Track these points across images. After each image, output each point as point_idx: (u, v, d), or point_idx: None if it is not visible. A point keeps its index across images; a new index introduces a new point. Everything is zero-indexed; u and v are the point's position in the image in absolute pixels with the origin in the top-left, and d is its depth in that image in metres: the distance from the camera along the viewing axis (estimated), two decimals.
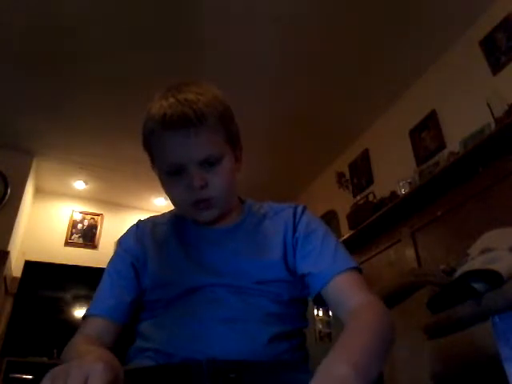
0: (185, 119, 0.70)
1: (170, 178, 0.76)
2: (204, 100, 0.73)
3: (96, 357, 0.51)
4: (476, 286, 1.27)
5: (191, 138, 0.71)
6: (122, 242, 0.85)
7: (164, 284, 0.75)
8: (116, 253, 0.84)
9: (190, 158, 0.73)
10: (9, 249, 3.33)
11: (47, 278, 3.60)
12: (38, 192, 4.20)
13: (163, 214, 0.90)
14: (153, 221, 0.87)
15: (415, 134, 3.03)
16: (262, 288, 0.72)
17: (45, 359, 3.06)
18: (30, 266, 3.53)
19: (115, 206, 4.49)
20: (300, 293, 0.77)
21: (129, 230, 0.86)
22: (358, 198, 3.37)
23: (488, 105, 2.30)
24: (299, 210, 0.84)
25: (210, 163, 0.74)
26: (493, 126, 2.26)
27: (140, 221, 0.88)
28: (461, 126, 2.58)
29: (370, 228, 2.87)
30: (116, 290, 0.77)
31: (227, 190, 0.77)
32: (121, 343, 0.76)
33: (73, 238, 4.22)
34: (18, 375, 2.94)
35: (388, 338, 0.62)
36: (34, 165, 3.76)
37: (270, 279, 0.74)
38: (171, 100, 0.72)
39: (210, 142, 0.73)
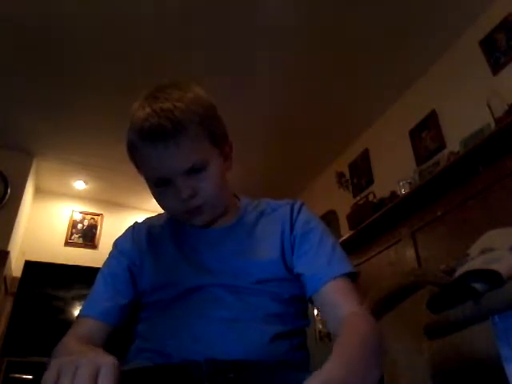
0: (162, 132, 0.67)
1: (158, 189, 0.74)
2: (182, 106, 0.69)
3: (100, 352, 0.50)
4: (476, 286, 1.27)
5: (171, 149, 0.68)
6: (118, 244, 0.84)
7: (163, 286, 0.74)
8: (111, 255, 0.83)
9: (173, 171, 0.70)
10: (9, 249, 3.32)
11: (47, 278, 3.59)
12: (38, 192, 4.20)
13: (159, 214, 0.90)
14: (149, 222, 0.87)
15: (415, 133, 3.02)
16: (262, 287, 0.72)
17: (45, 359, 3.06)
18: (29, 265, 3.52)
19: (115, 205, 4.49)
20: (300, 290, 0.77)
21: (125, 232, 0.86)
22: (358, 198, 3.37)
23: (488, 105, 2.30)
24: (296, 206, 0.83)
25: (195, 170, 0.72)
26: (493, 126, 2.26)
27: (136, 223, 0.88)
28: (461, 126, 2.58)
29: (370, 228, 2.87)
30: (111, 293, 0.76)
31: (217, 194, 0.76)
32: (120, 343, 0.76)
33: (73, 238, 4.22)
34: (18, 375, 2.94)
35: (379, 349, 0.62)
36: (33, 165, 3.76)
37: (269, 278, 0.74)
38: (147, 110, 0.68)
39: (192, 151, 0.70)
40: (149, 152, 0.69)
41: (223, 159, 0.79)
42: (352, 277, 0.75)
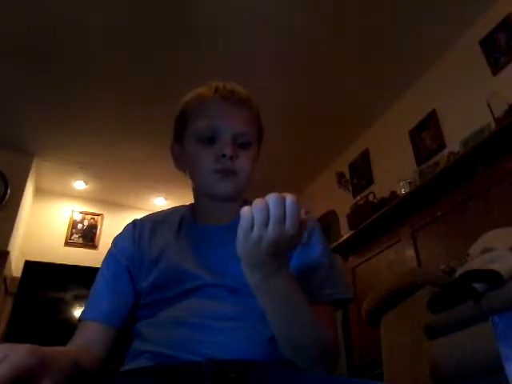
0: (237, 94, 0.79)
1: (200, 146, 0.78)
2: (249, 93, 0.82)
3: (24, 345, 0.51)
4: (476, 286, 1.27)
5: (236, 109, 0.78)
6: (117, 243, 0.82)
7: (162, 285, 0.74)
8: (110, 253, 0.81)
9: (230, 126, 0.77)
10: (9, 249, 3.32)
11: (47, 278, 3.59)
12: (38, 192, 4.20)
13: (161, 211, 0.89)
14: (151, 219, 0.85)
15: (415, 133, 3.03)
16: None
17: None
18: (30, 266, 3.52)
19: (115, 205, 4.49)
20: None
21: (125, 230, 0.84)
22: (358, 198, 3.37)
23: (488, 105, 2.30)
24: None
25: (241, 143, 0.78)
26: (493, 126, 2.26)
27: (137, 220, 0.86)
28: (461, 126, 2.58)
29: (370, 228, 2.87)
30: (112, 294, 0.75)
31: (248, 175, 0.79)
32: (118, 343, 0.75)
33: (73, 238, 4.22)
34: None
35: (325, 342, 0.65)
36: (33, 165, 3.76)
37: None
38: (220, 82, 0.80)
39: (248, 122, 0.79)
40: (217, 104, 0.78)
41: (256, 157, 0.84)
42: (345, 302, 0.75)
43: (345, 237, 3.08)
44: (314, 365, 0.65)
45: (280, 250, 0.57)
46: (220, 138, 0.76)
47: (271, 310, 0.63)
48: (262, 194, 0.55)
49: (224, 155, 0.75)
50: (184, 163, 0.84)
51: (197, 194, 0.85)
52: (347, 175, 3.68)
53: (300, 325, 0.63)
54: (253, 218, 0.54)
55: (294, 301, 0.62)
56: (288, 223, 0.53)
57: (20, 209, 3.54)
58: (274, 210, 0.53)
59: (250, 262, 0.58)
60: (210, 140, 0.77)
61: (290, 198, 0.54)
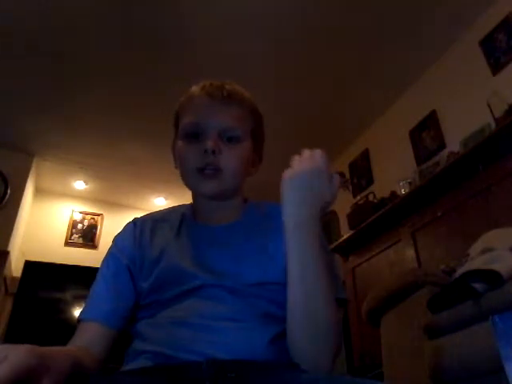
0: (223, 91, 0.78)
1: (187, 141, 0.78)
2: (243, 91, 0.82)
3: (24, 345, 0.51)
4: (476, 285, 1.27)
5: (223, 105, 0.77)
6: (117, 242, 0.82)
7: (162, 285, 0.73)
8: (110, 252, 0.81)
9: (213, 122, 0.76)
10: (9, 249, 3.32)
11: (47, 278, 3.59)
12: (38, 192, 4.20)
13: (162, 210, 0.89)
14: (152, 218, 0.85)
15: (415, 133, 3.03)
16: (261, 290, 0.72)
17: None
18: (30, 266, 3.52)
19: (115, 205, 4.49)
20: None
21: (125, 229, 0.84)
22: (358, 198, 3.37)
23: (488, 105, 2.30)
24: None
25: (229, 138, 0.77)
26: (493, 125, 2.26)
27: (137, 218, 0.85)
28: (461, 126, 2.58)
29: (370, 228, 2.87)
30: (112, 294, 0.75)
31: (236, 171, 0.78)
32: (118, 343, 0.75)
33: (73, 238, 4.22)
34: None
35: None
36: (33, 165, 3.76)
37: (270, 281, 0.73)
38: (210, 80, 0.82)
39: (236, 118, 0.78)
40: (202, 101, 0.78)
41: (252, 158, 0.83)
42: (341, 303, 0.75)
43: (345, 237, 3.08)
44: (317, 345, 0.65)
45: (314, 191, 0.69)
46: (205, 135, 0.76)
47: (302, 263, 0.66)
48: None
49: (206, 150, 0.74)
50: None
51: (194, 193, 0.85)
52: (347, 175, 3.68)
53: (320, 291, 0.65)
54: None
55: (320, 260, 0.66)
56: (318, 156, 0.72)
57: (20, 209, 3.54)
58: (305, 153, 0.74)
59: (294, 199, 0.70)
60: (195, 137, 0.77)
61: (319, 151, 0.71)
